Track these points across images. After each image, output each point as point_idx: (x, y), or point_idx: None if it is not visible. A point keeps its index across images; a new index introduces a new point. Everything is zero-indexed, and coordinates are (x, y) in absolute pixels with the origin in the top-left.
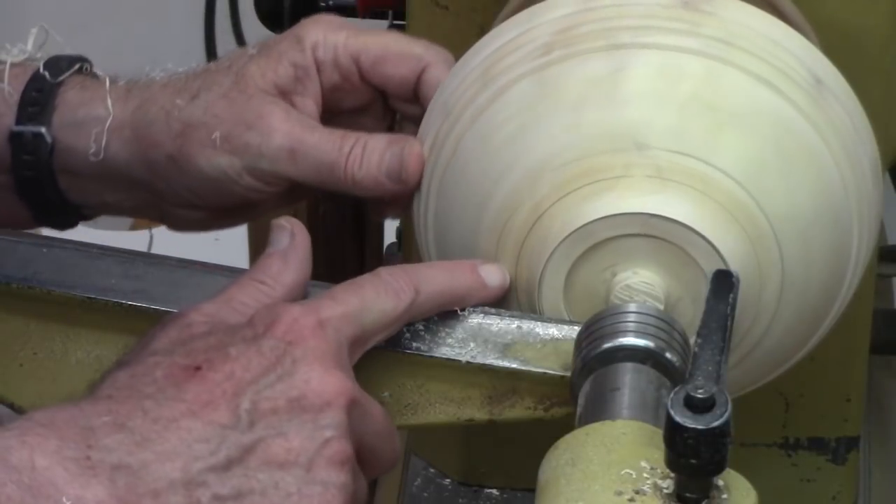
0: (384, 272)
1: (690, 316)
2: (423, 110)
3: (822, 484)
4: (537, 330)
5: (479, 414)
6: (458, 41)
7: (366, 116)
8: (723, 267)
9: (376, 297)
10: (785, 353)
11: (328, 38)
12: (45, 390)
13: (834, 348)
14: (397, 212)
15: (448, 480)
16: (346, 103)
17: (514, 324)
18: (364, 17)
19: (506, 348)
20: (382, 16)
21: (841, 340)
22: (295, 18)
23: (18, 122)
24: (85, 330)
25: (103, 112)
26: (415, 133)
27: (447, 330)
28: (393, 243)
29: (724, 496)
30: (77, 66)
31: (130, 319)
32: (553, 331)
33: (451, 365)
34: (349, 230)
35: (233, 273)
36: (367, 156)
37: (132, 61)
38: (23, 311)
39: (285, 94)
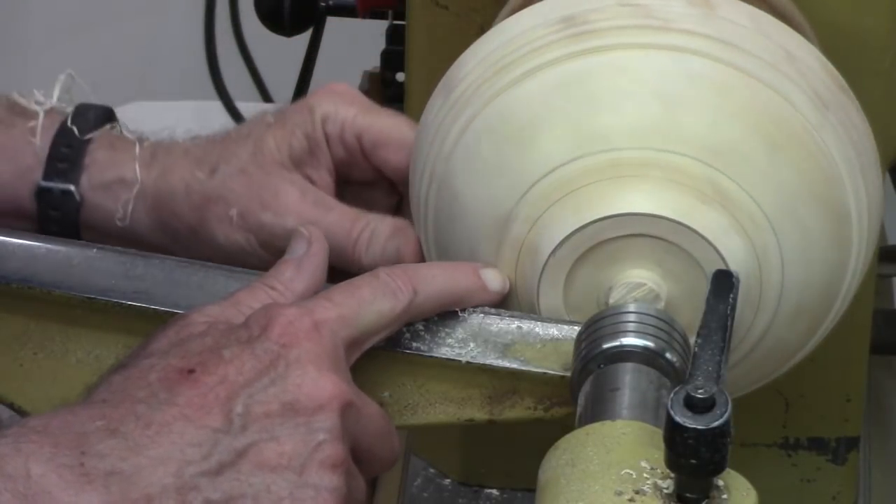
0: (382, 272)
1: (690, 316)
2: None
3: (822, 484)
4: (537, 330)
5: (480, 414)
6: (458, 41)
7: (375, 190)
8: (723, 267)
9: (373, 298)
10: (785, 353)
11: (339, 111)
12: (45, 390)
13: (834, 348)
14: None
15: (448, 480)
16: (355, 176)
17: (514, 324)
18: (364, 17)
19: (506, 348)
20: (382, 16)
21: (841, 340)
22: (295, 18)
23: (47, 177)
24: (85, 330)
25: (131, 176)
26: None
27: (447, 330)
28: None
29: (724, 496)
30: (106, 125)
31: (130, 319)
32: (553, 331)
33: (452, 365)
34: None
35: (232, 273)
36: (372, 243)
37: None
38: (23, 311)
39: (301, 166)
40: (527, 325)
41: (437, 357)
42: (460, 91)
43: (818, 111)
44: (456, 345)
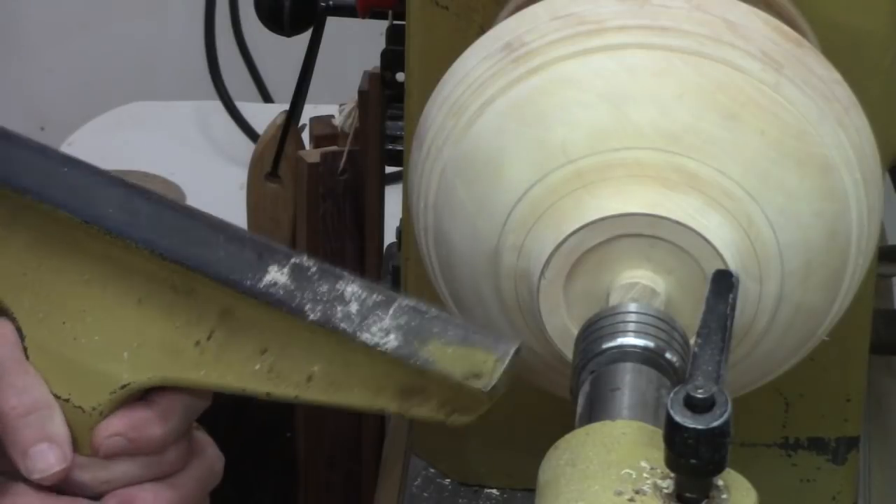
0: None
1: (690, 316)
2: None
3: (822, 484)
4: (454, 333)
5: (391, 406)
6: (458, 41)
7: None
8: (723, 267)
9: None
10: (785, 353)
11: None
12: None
13: (834, 348)
14: None
15: (448, 480)
16: None
17: (439, 324)
18: (364, 16)
19: (421, 346)
20: (382, 16)
21: (841, 340)
22: (295, 18)
23: None
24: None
25: None
26: None
27: (378, 315)
28: (393, 243)
29: (724, 496)
30: None
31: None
32: (473, 338)
33: (373, 352)
34: (349, 230)
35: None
36: None
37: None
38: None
39: None
40: (450, 327)
41: (359, 341)
42: (429, 140)
43: (772, 71)
44: (378, 333)
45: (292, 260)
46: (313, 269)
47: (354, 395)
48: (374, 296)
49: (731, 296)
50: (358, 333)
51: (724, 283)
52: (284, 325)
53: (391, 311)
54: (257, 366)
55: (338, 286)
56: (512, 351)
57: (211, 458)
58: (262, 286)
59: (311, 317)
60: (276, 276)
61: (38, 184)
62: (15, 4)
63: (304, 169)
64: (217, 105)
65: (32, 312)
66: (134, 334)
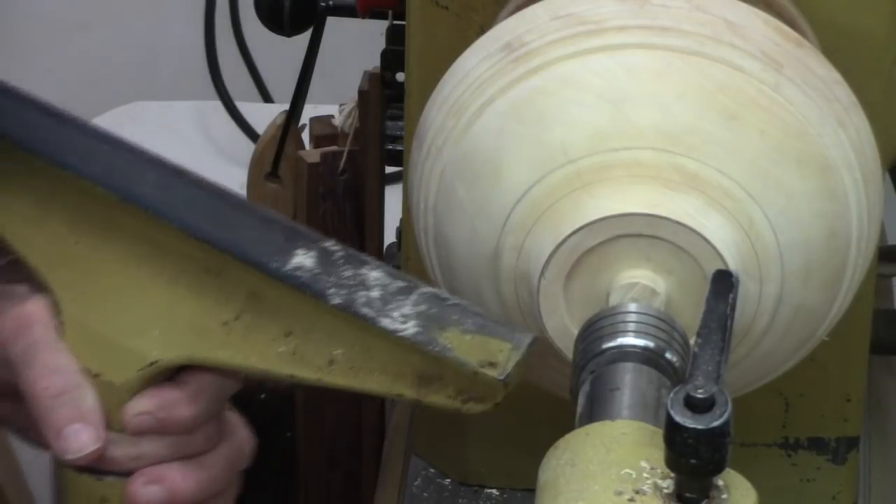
0: None
1: (690, 316)
2: None
3: (822, 484)
4: (472, 322)
5: (409, 392)
6: (458, 41)
7: None
8: (723, 267)
9: None
10: (785, 353)
11: None
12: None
13: (834, 348)
14: None
15: (448, 480)
16: None
17: (458, 312)
18: (364, 17)
19: (440, 333)
20: (382, 16)
21: (841, 340)
22: (295, 18)
23: None
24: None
25: None
26: None
27: (399, 301)
28: (393, 243)
29: (724, 496)
30: None
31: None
32: (490, 327)
33: (393, 338)
34: (349, 230)
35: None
36: None
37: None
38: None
39: None
40: (469, 316)
41: (379, 327)
42: (429, 141)
43: (772, 71)
44: (399, 319)
45: (319, 244)
46: (339, 254)
47: (374, 381)
48: (397, 282)
49: (731, 296)
50: (379, 319)
51: (724, 283)
52: (308, 309)
53: (412, 298)
54: (281, 348)
55: (361, 271)
56: (527, 341)
57: (241, 439)
58: (287, 269)
59: (334, 301)
60: (303, 259)
61: (78, 160)
62: (15, 4)
63: (304, 169)
64: (217, 105)
65: (69, 288)
66: (164, 312)
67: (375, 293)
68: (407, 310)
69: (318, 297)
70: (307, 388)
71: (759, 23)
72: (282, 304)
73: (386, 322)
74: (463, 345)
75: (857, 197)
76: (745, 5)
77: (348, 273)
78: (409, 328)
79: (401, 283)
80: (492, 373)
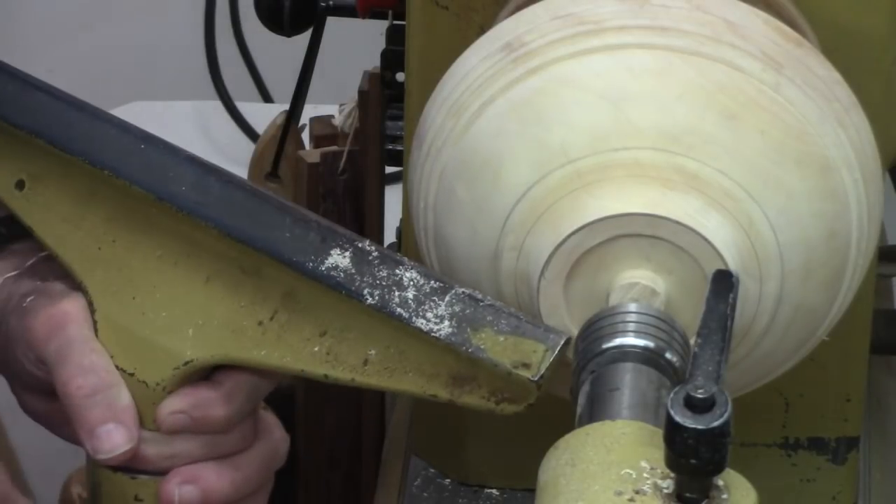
0: None
1: (690, 316)
2: None
3: (822, 484)
4: (507, 323)
5: (443, 393)
6: (458, 41)
7: None
8: (723, 267)
9: None
10: (785, 353)
11: None
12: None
13: (834, 348)
14: None
15: (448, 480)
16: None
17: (492, 313)
18: (364, 17)
19: (474, 334)
20: (382, 16)
21: (841, 340)
22: (295, 18)
23: None
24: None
25: None
26: None
27: (434, 301)
28: (393, 243)
29: (724, 496)
30: None
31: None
32: (524, 328)
33: (428, 339)
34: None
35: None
36: None
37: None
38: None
39: None
40: (503, 316)
41: (413, 327)
42: (429, 141)
43: (772, 71)
44: (433, 319)
45: (355, 244)
46: (374, 254)
47: (408, 381)
48: (431, 282)
49: (731, 296)
50: (413, 319)
51: (724, 283)
52: (344, 309)
53: (447, 299)
54: (316, 348)
55: (397, 272)
56: (561, 342)
57: (276, 439)
58: (323, 269)
59: (369, 301)
60: (338, 259)
61: (116, 159)
62: (15, 4)
63: (304, 169)
64: (217, 105)
65: (104, 286)
66: (200, 312)
67: (410, 293)
68: (441, 310)
69: (353, 297)
70: (307, 388)
71: (759, 23)
72: (317, 303)
73: (420, 322)
74: (497, 345)
75: (857, 197)
76: (745, 5)
77: (383, 273)
78: (444, 329)
79: (435, 284)
80: (525, 374)
